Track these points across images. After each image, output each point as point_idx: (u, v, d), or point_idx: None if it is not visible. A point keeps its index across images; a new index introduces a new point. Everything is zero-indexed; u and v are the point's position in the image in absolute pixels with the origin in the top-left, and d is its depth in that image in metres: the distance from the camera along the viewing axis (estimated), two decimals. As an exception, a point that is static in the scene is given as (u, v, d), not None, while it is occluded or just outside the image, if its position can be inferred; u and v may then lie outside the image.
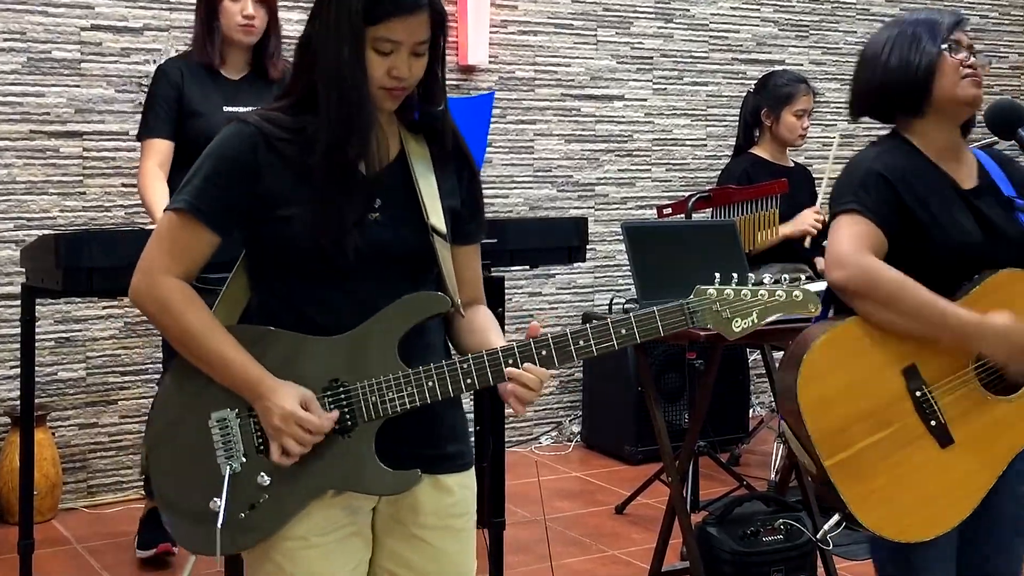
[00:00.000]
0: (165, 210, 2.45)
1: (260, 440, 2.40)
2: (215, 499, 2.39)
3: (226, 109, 4.50)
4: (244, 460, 2.41)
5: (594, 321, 2.45)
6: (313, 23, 2.42)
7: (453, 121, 2.56)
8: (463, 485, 2.57)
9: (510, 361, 2.40)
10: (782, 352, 5.80)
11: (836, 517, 2.87)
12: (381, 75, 2.37)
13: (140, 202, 5.53)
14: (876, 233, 2.88)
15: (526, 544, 5.09)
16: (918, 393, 2.86)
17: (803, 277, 2.53)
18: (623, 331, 2.42)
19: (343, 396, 2.40)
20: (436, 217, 2.47)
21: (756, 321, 2.46)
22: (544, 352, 2.41)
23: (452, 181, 2.55)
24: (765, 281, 2.47)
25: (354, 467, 2.41)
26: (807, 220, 5.68)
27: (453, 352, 2.59)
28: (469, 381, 2.41)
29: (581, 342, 2.41)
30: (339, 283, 2.40)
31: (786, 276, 2.49)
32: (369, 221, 2.42)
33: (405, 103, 2.48)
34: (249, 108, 4.52)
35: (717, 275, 2.47)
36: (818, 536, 2.89)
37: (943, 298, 2.85)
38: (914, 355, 2.87)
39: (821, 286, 4.90)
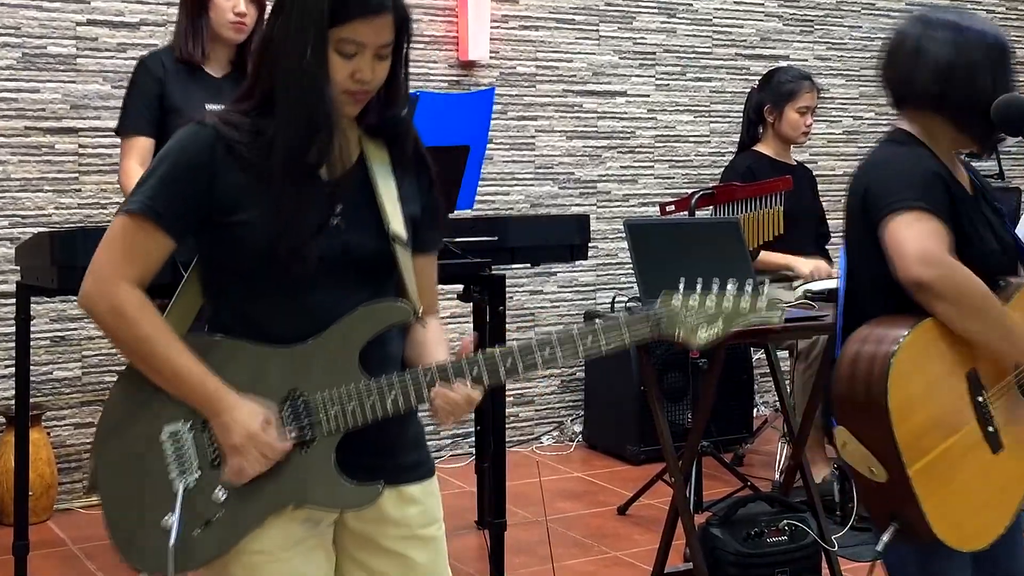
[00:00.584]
0: (118, 213, 2.40)
1: (215, 454, 2.37)
2: (168, 516, 2.35)
3: (208, 107, 4.46)
4: (198, 475, 2.37)
5: (560, 328, 2.43)
6: (273, 22, 2.38)
7: (414, 127, 2.54)
8: (428, 493, 2.54)
9: (475, 371, 2.39)
10: (787, 351, 5.85)
11: (893, 527, 2.82)
12: (344, 78, 2.34)
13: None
14: (946, 232, 2.79)
15: (527, 545, 5.08)
16: (979, 399, 2.83)
17: (767, 282, 2.49)
18: (589, 340, 2.41)
19: (302, 407, 2.37)
20: (397, 223, 2.44)
21: (722, 330, 2.44)
22: (509, 362, 2.40)
23: (413, 187, 2.53)
24: (729, 288, 2.45)
25: (314, 481, 2.37)
26: (812, 267, 5.59)
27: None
28: (430, 392, 2.39)
29: (547, 352, 2.40)
30: (296, 290, 2.37)
31: (750, 280, 2.46)
32: (330, 227, 2.39)
33: (365, 106, 2.44)
34: None
35: (682, 280, 2.46)
36: (879, 548, 2.84)
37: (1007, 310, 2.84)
38: (974, 359, 2.84)
39: (825, 284, 4.92)
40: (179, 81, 4.48)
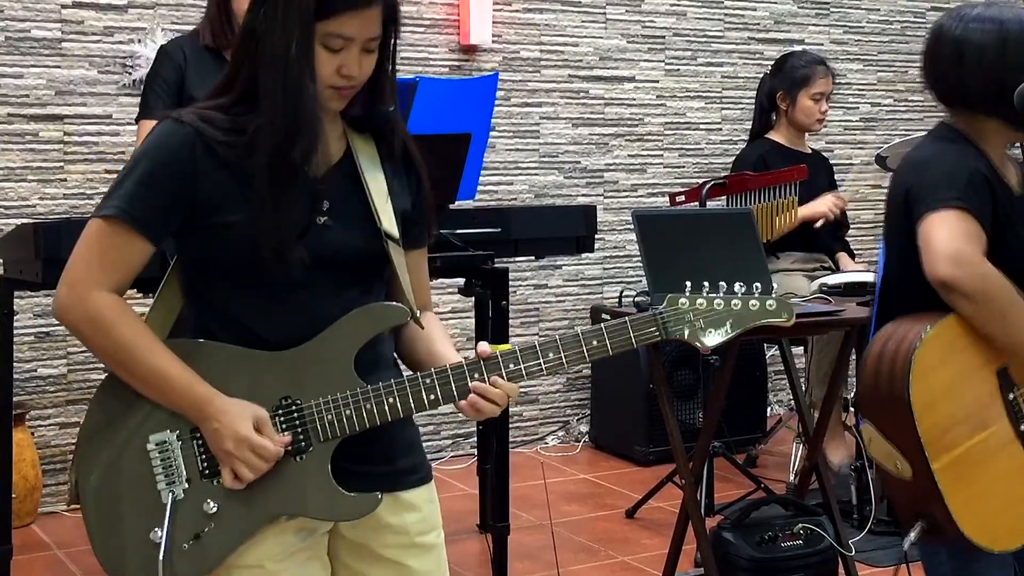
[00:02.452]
0: (92, 216, 2.38)
1: (205, 464, 2.36)
2: (156, 529, 2.34)
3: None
4: (187, 486, 2.36)
5: (564, 332, 2.44)
6: (257, 11, 2.36)
7: (401, 120, 2.53)
8: (426, 499, 2.54)
9: (476, 375, 2.38)
10: (802, 347, 5.85)
11: (920, 526, 2.85)
12: (330, 73, 2.34)
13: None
14: (982, 234, 2.84)
15: (531, 550, 5.09)
16: (1011, 396, 2.88)
17: (775, 287, 2.51)
18: (595, 343, 2.41)
19: (295, 415, 2.36)
20: (388, 221, 2.44)
21: (730, 332, 2.46)
22: (512, 366, 2.40)
23: (402, 181, 2.52)
24: (737, 290, 2.47)
25: (309, 491, 2.37)
26: (826, 202, 5.68)
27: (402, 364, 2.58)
28: (432, 397, 2.39)
29: (551, 354, 2.40)
30: (284, 293, 2.36)
31: (758, 284, 2.48)
32: (317, 226, 2.38)
33: (350, 100, 2.43)
34: None
35: (688, 283, 2.46)
36: (905, 547, 2.87)
37: None
38: (1005, 357, 2.88)
39: (841, 278, 4.92)
40: (200, 69, 4.52)
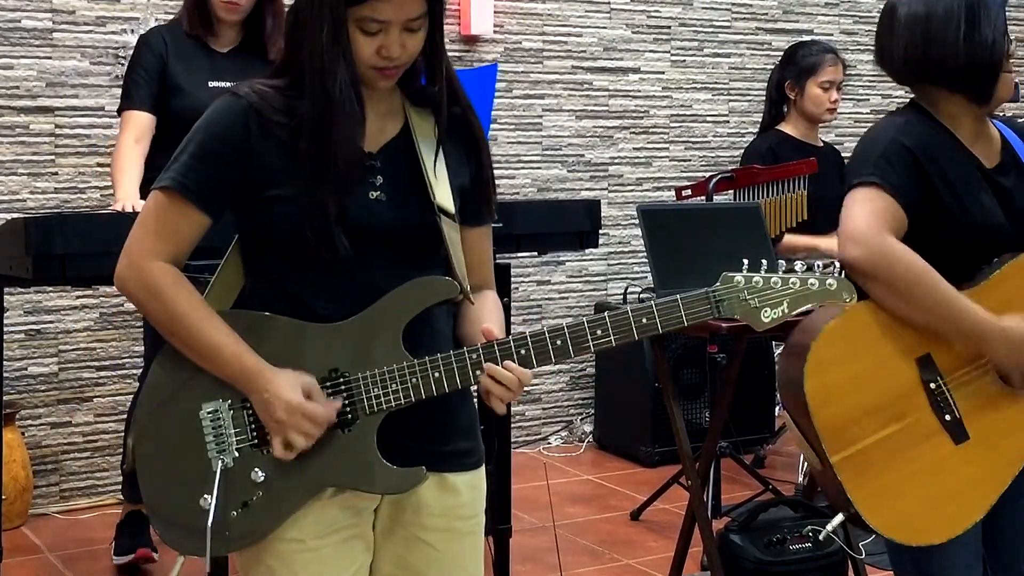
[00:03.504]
0: (152, 188, 2.45)
1: (255, 433, 2.41)
2: (205, 496, 2.39)
3: (211, 84, 4.50)
4: (237, 455, 2.41)
5: (610, 310, 2.45)
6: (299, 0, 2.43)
7: (464, 92, 2.56)
8: (472, 485, 2.58)
9: (523, 352, 2.41)
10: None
11: (840, 516, 2.88)
12: (370, 55, 2.38)
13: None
14: (897, 211, 2.88)
15: (534, 553, 5.09)
16: (932, 385, 2.88)
17: (836, 264, 2.53)
18: (644, 320, 2.43)
19: (343, 388, 2.41)
20: (443, 196, 2.47)
21: (787, 311, 2.47)
22: (559, 342, 2.42)
23: (461, 157, 2.56)
24: (796, 268, 2.49)
25: (355, 464, 2.41)
26: None
27: None
28: (479, 372, 2.42)
29: (599, 331, 2.43)
30: (337, 267, 2.40)
31: (819, 263, 2.50)
32: (370, 200, 2.42)
33: (409, 73, 2.48)
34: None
35: (745, 261, 2.48)
36: (820, 536, 2.91)
37: (960, 294, 2.86)
38: (929, 344, 2.88)
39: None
40: (182, 58, 4.56)
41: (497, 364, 2.40)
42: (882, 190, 2.87)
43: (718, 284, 2.46)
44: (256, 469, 2.40)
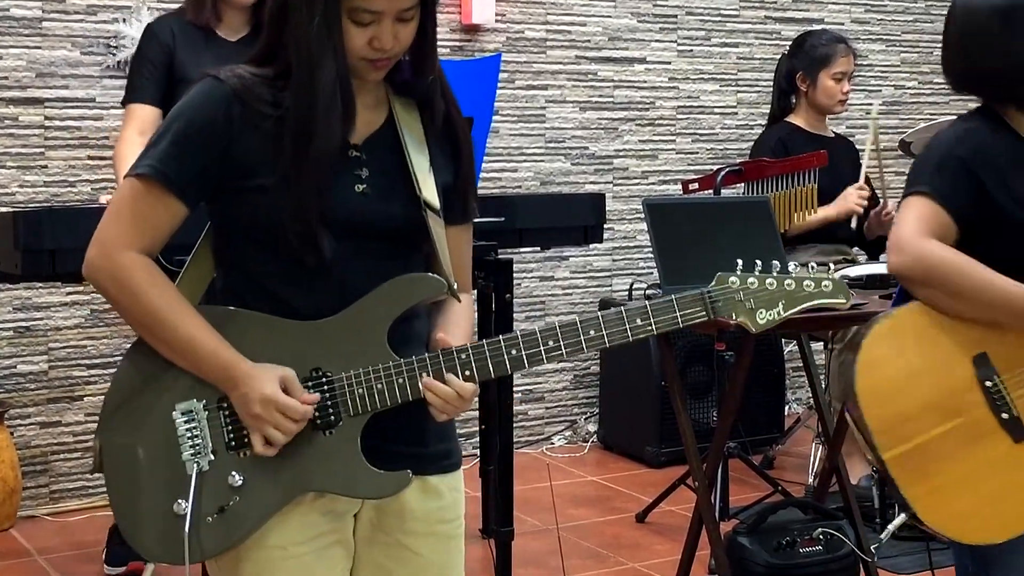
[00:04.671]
0: (126, 176, 2.41)
1: (232, 435, 2.39)
2: (180, 500, 2.37)
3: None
4: (213, 457, 2.39)
5: (610, 309, 2.46)
6: None
7: (449, 88, 2.55)
8: (452, 487, 2.58)
9: (513, 352, 2.41)
10: (822, 343, 5.85)
11: (902, 516, 2.91)
12: (361, 46, 2.36)
13: (109, 176, 5.53)
14: (943, 218, 2.95)
15: (536, 556, 5.09)
16: (988, 383, 2.91)
17: (831, 266, 2.56)
18: (638, 321, 2.44)
19: (326, 388, 2.39)
20: (429, 191, 2.47)
21: (782, 313, 2.49)
22: (551, 343, 2.42)
23: (446, 154, 2.55)
24: (791, 269, 2.50)
25: (338, 467, 2.39)
26: (851, 199, 5.68)
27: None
28: (468, 373, 2.41)
29: (592, 332, 2.43)
30: (319, 263, 2.38)
31: (814, 264, 2.53)
32: (355, 194, 2.41)
33: (394, 66, 2.46)
34: None
35: (739, 261, 2.49)
36: (882, 536, 2.95)
37: (1008, 279, 2.90)
38: (984, 342, 2.92)
39: (862, 270, 4.92)
40: (190, 48, 4.52)
41: (486, 363, 2.40)
42: (931, 199, 2.95)
43: (713, 284, 2.47)
44: (233, 473, 2.38)
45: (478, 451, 5.17)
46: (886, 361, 2.89)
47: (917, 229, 2.91)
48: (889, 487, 2.96)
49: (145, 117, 4.50)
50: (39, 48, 5.66)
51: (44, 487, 5.75)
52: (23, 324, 5.69)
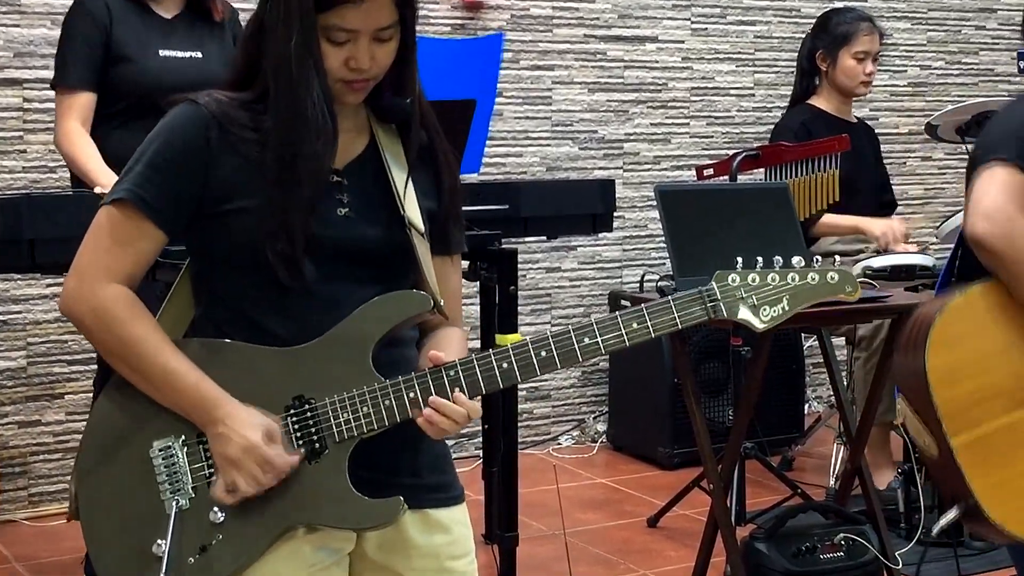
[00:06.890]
0: (102, 204, 2.42)
1: (212, 471, 2.39)
2: (159, 541, 2.37)
3: (162, 53, 4.46)
4: (193, 494, 2.39)
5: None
6: (264, 3, 2.42)
7: (432, 115, 2.57)
8: (458, 521, 2.57)
9: (504, 365, 2.41)
10: (843, 338, 5.85)
11: (955, 510, 2.91)
12: (338, 67, 2.38)
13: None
14: None
15: (542, 562, 5.09)
16: None
17: (837, 258, 2.55)
18: (634, 325, 2.43)
19: (309, 416, 2.39)
20: (413, 211, 2.48)
21: (787, 309, 2.49)
22: (544, 353, 2.41)
23: (429, 180, 2.57)
24: (794, 263, 2.50)
25: (324, 497, 2.39)
26: (891, 235, 5.57)
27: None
28: (458, 390, 2.40)
29: (586, 339, 2.43)
30: (301, 287, 2.39)
31: (818, 257, 2.52)
32: (337, 217, 2.43)
33: (375, 89, 2.48)
34: (187, 52, 4.48)
35: (739, 259, 2.49)
36: (934, 531, 2.95)
37: None
38: None
39: (887, 261, 4.91)
40: (128, 25, 4.49)
41: (477, 379, 2.40)
42: (1016, 168, 2.97)
43: (711, 283, 2.47)
44: (215, 509, 2.38)
45: (481, 452, 5.17)
46: (961, 340, 2.91)
47: (1008, 199, 2.93)
48: (946, 478, 2.93)
49: (82, 105, 4.44)
50: (17, 26, 5.67)
51: (23, 490, 5.75)
52: (1, 318, 5.69)
